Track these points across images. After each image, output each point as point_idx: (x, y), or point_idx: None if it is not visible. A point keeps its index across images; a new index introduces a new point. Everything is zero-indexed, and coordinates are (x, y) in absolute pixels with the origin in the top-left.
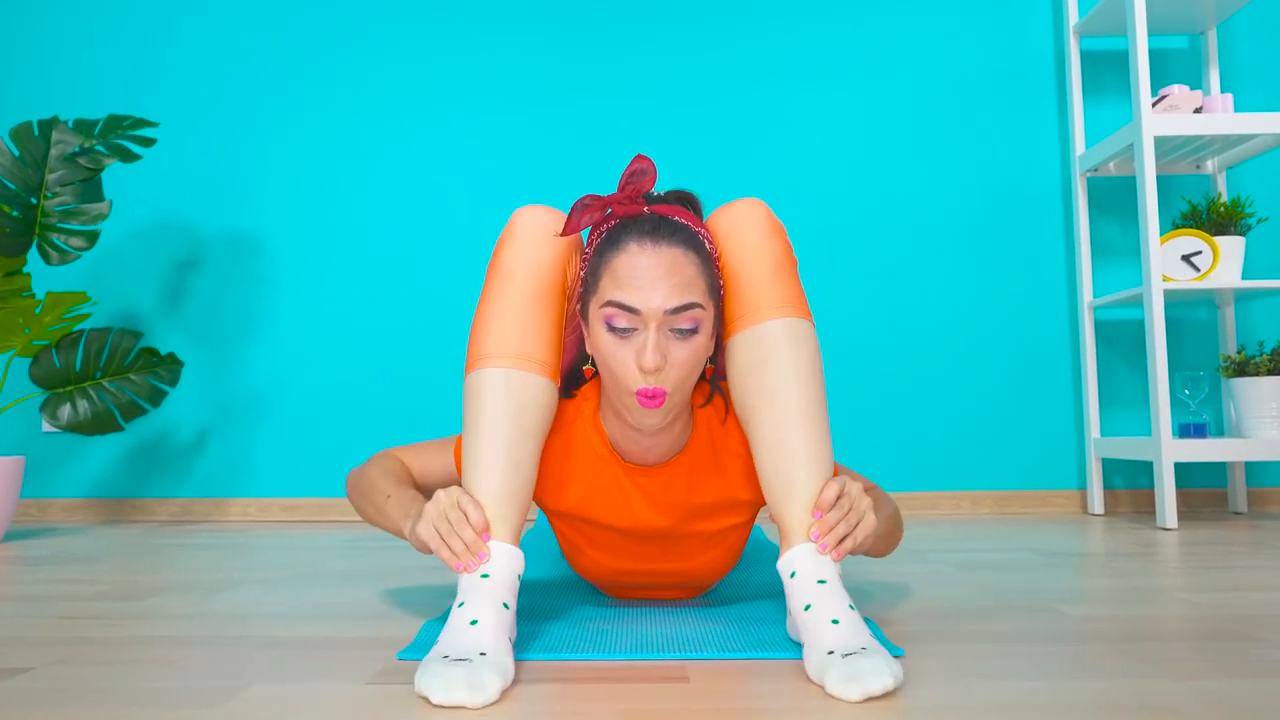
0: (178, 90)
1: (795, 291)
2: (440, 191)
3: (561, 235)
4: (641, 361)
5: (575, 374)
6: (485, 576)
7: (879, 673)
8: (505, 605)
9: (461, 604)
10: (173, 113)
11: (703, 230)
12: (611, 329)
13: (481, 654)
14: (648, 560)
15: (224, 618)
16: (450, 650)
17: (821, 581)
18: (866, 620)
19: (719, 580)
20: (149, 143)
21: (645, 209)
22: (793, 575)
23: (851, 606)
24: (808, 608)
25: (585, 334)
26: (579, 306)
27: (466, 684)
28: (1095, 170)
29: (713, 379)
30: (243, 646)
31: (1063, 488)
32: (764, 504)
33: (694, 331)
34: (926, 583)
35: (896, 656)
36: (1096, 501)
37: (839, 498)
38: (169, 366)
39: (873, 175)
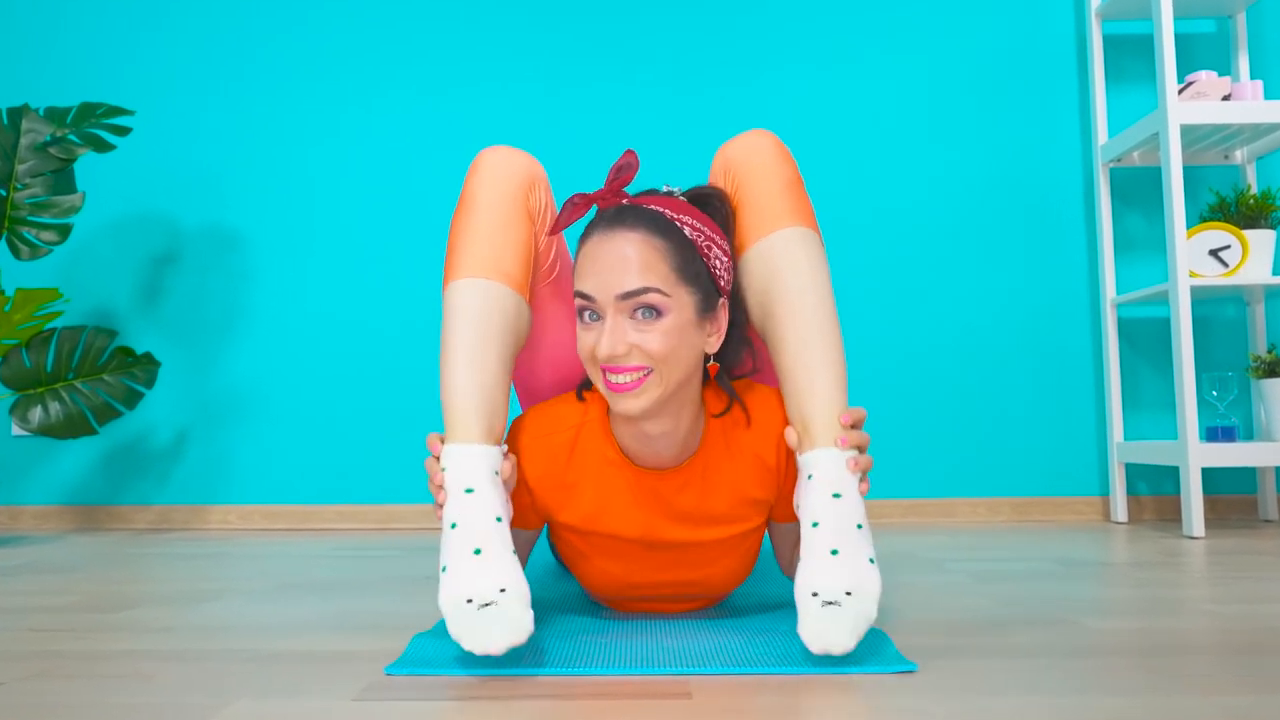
0: (154, 77)
1: (805, 206)
2: (427, 184)
3: (549, 234)
4: (597, 349)
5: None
6: (470, 491)
7: (841, 634)
8: (499, 519)
9: (454, 525)
10: (149, 101)
11: (686, 219)
12: (580, 319)
13: (502, 590)
14: (661, 570)
15: (203, 630)
16: (470, 592)
17: (836, 495)
18: (876, 629)
19: (733, 590)
20: (124, 132)
21: (624, 201)
22: (810, 477)
23: (860, 525)
24: (815, 525)
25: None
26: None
27: (503, 628)
28: (1118, 161)
29: (719, 378)
30: (223, 661)
31: (1084, 494)
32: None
33: (658, 315)
34: (942, 593)
35: (909, 671)
36: (1119, 509)
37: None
38: (145, 367)
39: (885, 165)
